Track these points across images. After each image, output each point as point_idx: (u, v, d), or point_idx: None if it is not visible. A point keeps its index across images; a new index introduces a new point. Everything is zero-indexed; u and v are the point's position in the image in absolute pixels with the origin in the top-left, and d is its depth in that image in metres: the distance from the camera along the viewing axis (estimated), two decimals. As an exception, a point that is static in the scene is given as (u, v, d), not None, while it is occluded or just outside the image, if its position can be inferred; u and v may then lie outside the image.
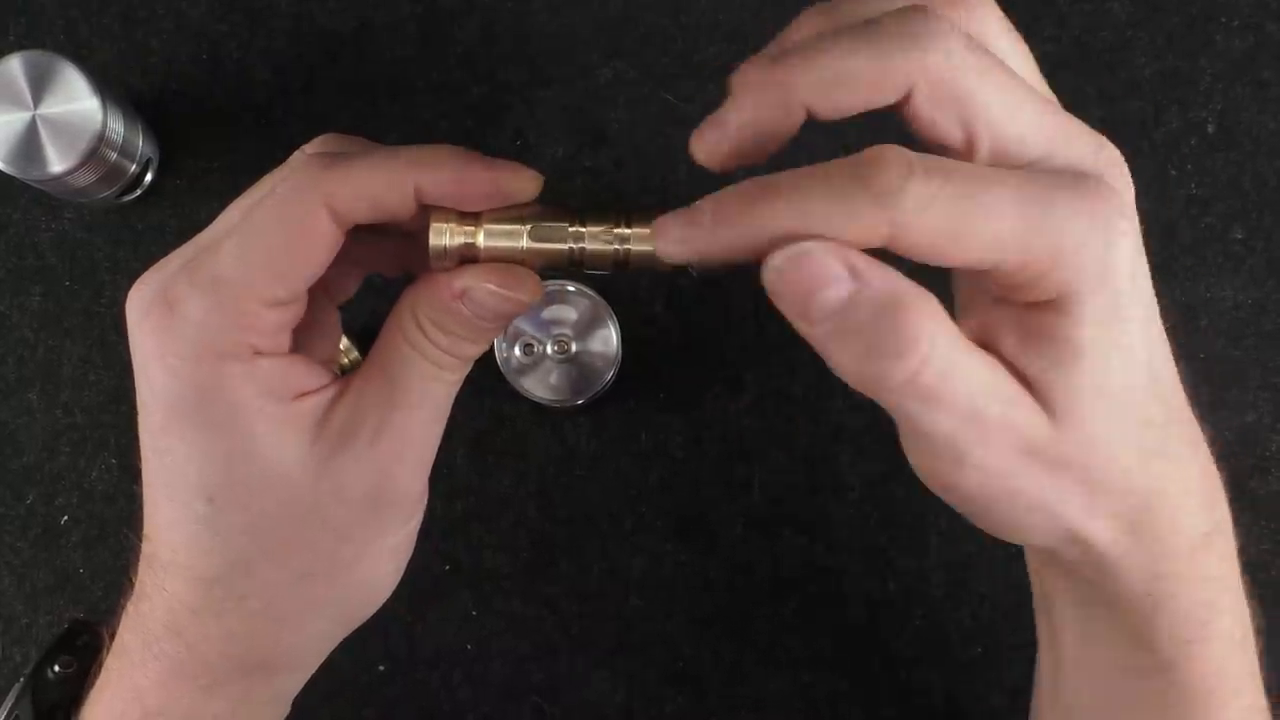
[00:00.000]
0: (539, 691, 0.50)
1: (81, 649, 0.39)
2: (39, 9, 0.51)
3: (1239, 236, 0.51)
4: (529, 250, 0.32)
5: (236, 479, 0.32)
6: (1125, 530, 0.32)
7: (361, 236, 0.34)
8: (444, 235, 0.32)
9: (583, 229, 0.31)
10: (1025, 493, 0.30)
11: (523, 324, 0.49)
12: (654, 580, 0.50)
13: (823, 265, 0.27)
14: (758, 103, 0.30)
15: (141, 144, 0.48)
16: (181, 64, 0.51)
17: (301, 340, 0.35)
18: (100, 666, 0.36)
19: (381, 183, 0.31)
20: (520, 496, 0.51)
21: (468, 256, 0.32)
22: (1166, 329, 0.31)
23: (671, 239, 0.29)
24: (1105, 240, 0.29)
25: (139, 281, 0.33)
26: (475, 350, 0.34)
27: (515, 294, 0.32)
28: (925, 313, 0.28)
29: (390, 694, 0.50)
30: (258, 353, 0.32)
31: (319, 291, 0.36)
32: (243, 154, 0.51)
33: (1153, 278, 0.29)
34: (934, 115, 0.29)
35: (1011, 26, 0.32)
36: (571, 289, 0.49)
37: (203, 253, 0.32)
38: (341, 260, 0.34)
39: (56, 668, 0.38)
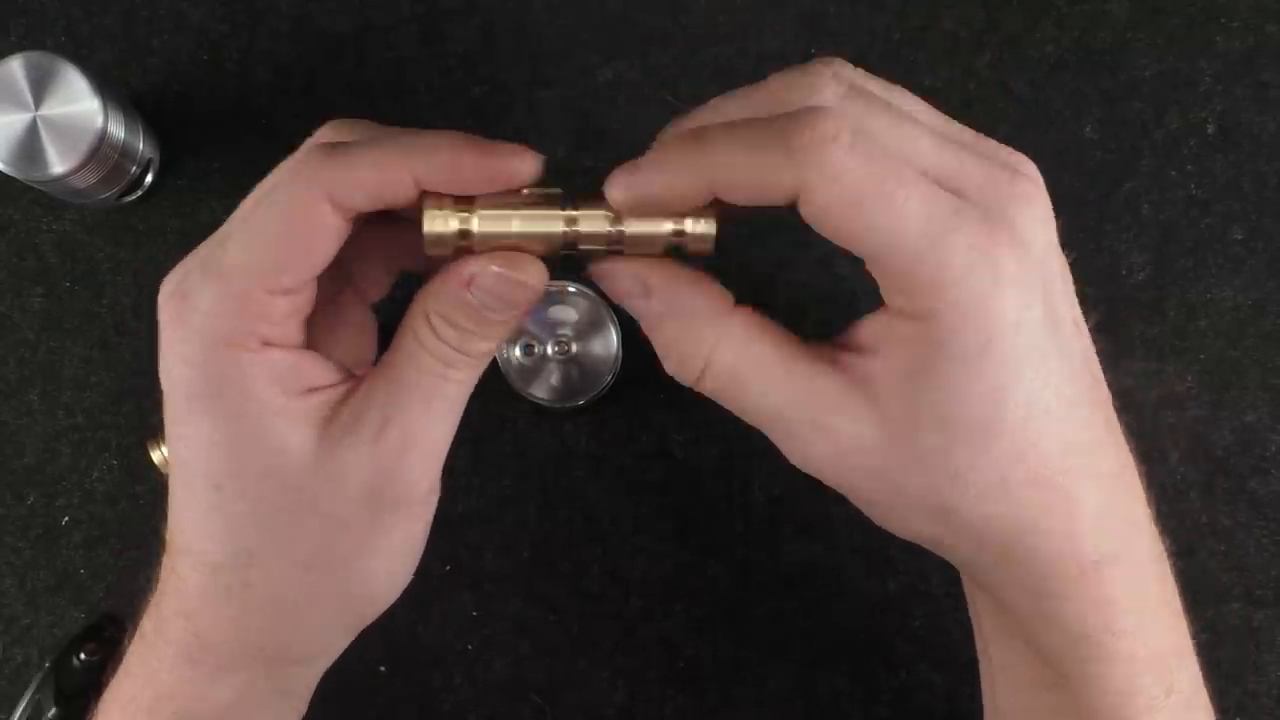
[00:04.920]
0: (539, 691, 0.50)
1: (108, 641, 0.39)
2: (39, 9, 0.51)
3: (1239, 237, 0.51)
4: (523, 234, 0.32)
5: (243, 466, 0.32)
6: (996, 552, 0.32)
7: (384, 229, 0.34)
8: (436, 221, 0.32)
9: (576, 212, 0.32)
10: (860, 489, 0.33)
11: (523, 324, 0.49)
12: (654, 580, 0.50)
13: (620, 282, 0.33)
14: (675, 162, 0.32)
15: (142, 145, 0.48)
16: (182, 64, 0.51)
17: (333, 340, 0.36)
18: (122, 654, 0.37)
19: (379, 172, 0.32)
20: (520, 497, 0.51)
21: (464, 247, 0.32)
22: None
23: (617, 185, 0.32)
24: (993, 280, 0.29)
25: (168, 275, 0.34)
26: (484, 346, 0.34)
27: (519, 275, 0.32)
28: (706, 332, 0.32)
29: (391, 694, 0.50)
30: (267, 343, 0.32)
31: (348, 290, 0.37)
32: (243, 155, 0.51)
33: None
34: None
35: (891, 85, 0.33)
36: (572, 289, 0.49)
37: (216, 246, 0.33)
38: (367, 255, 0.35)
39: (82, 655, 0.38)
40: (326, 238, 0.32)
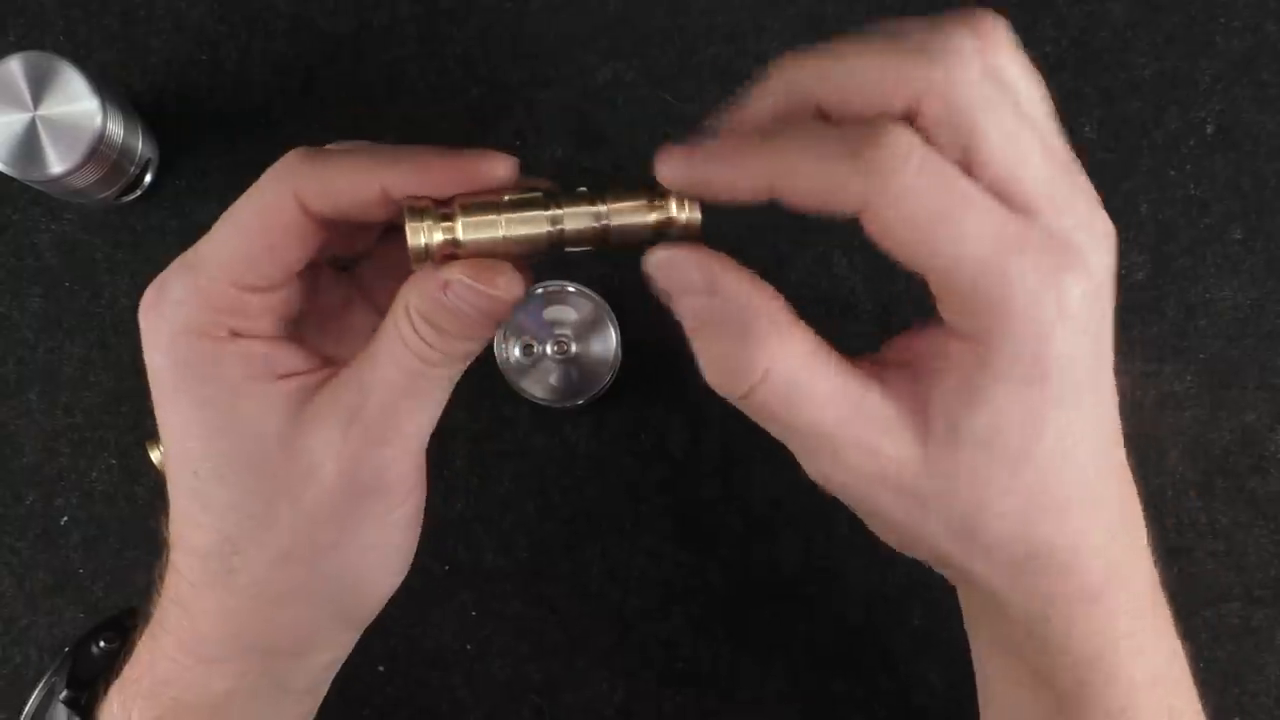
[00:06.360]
0: (538, 691, 0.50)
1: (128, 630, 0.40)
2: (39, 9, 0.51)
3: (1238, 237, 0.51)
4: (509, 238, 0.32)
5: (218, 453, 0.33)
6: (1005, 572, 0.32)
7: (396, 239, 0.34)
8: (420, 234, 0.31)
9: (560, 210, 0.32)
10: (887, 510, 0.32)
11: (523, 324, 0.49)
12: (654, 580, 0.50)
13: (686, 274, 0.30)
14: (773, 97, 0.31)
15: (141, 145, 0.48)
16: (181, 65, 0.51)
17: (344, 346, 0.36)
18: (135, 640, 0.37)
19: (347, 178, 0.32)
20: (520, 496, 0.51)
21: (451, 254, 0.32)
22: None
23: (672, 164, 0.30)
24: (1055, 312, 0.29)
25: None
26: (465, 347, 0.33)
27: (488, 288, 0.32)
28: (770, 338, 0.30)
29: (390, 694, 0.50)
30: (235, 334, 0.33)
31: (359, 298, 0.37)
32: (242, 155, 0.51)
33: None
34: (937, 136, 0.29)
35: (1030, 65, 0.31)
36: (571, 289, 0.49)
37: (195, 245, 0.34)
38: (380, 264, 0.36)
39: (101, 643, 0.39)
40: (294, 239, 0.32)
